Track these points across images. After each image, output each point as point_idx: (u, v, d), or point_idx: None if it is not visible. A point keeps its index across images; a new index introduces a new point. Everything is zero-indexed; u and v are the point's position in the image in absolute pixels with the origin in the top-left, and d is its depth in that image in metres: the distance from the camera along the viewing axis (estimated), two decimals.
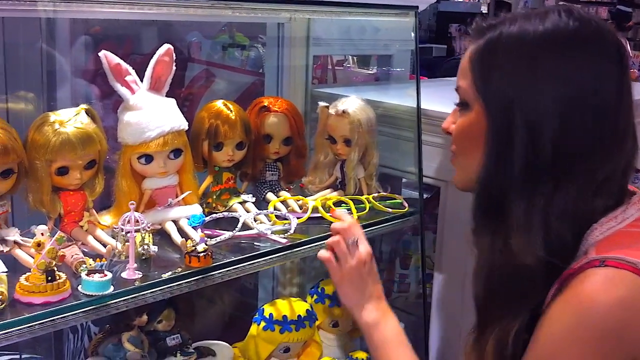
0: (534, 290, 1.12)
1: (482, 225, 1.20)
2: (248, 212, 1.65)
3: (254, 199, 1.70)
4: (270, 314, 1.67)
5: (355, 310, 1.44)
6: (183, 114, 1.53)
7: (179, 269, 1.38)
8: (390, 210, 1.83)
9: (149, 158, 1.48)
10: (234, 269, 1.45)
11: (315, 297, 1.85)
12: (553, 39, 1.10)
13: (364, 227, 1.56)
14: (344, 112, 1.78)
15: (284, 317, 1.67)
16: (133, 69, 1.48)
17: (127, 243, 1.34)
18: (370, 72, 3.14)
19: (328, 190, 1.86)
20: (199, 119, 1.65)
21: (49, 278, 1.20)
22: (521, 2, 9.07)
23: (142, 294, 1.30)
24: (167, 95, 1.52)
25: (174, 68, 1.51)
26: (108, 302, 1.25)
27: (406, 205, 1.88)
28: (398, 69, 2.74)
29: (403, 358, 1.38)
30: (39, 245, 1.22)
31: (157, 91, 1.50)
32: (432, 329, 1.98)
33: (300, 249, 1.60)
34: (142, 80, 1.48)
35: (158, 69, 1.48)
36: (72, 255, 1.32)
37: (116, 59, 1.44)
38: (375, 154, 1.86)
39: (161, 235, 1.50)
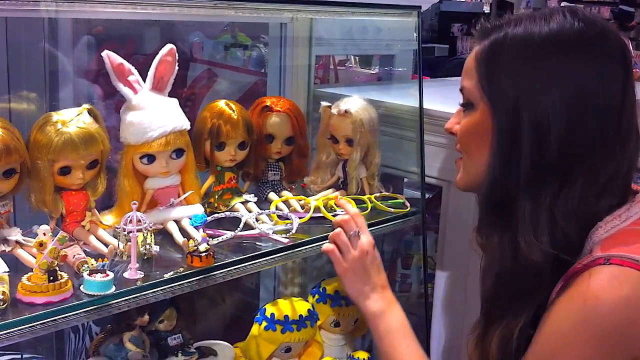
0: (540, 287, 1.13)
1: (488, 224, 1.21)
2: (250, 212, 1.65)
3: (255, 199, 1.70)
4: (272, 314, 1.67)
5: (360, 300, 1.46)
6: (185, 113, 1.53)
7: (181, 269, 1.38)
8: (392, 210, 1.83)
9: (151, 158, 1.48)
10: (235, 268, 1.45)
11: (316, 296, 1.84)
12: (558, 39, 1.11)
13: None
14: (346, 112, 1.78)
15: (286, 317, 1.67)
16: (135, 69, 1.48)
17: (129, 243, 1.33)
18: (372, 72, 3.14)
19: (330, 190, 1.86)
20: (201, 119, 1.65)
21: (51, 278, 1.20)
22: (523, 1, 9.06)
23: (144, 294, 1.31)
24: (170, 95, 1.52)
25: (177, 68, 1.51)
26: (110, 302, 1.25)
27: (408, 205, 1.88)
28: (400, 69, 2.73)
29: (408, 348, 1.40)
30: (41, 245, 1.22)
31: (160, 91, 1.50)
32: (434, 328, 1.98)
33: (302, 248, 1.60)
34: (144, 80, 1.48)
35: (161, 69, 1.49)
36: (74, 255, 1.32)
37: (119, 59, 1.44)
38: (378, 153, 1.86)
39: (163, 235, 1.50)
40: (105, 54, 1.43)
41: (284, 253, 1.56)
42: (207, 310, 2.14)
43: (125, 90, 1.46)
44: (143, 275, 1.33)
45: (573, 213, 1.11)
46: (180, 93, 2.32)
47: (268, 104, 1.78)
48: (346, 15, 2.06)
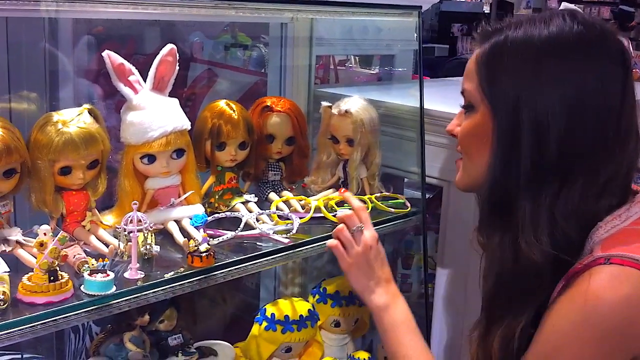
0: (541, 287, 1.14)
1: (489, 225, 1.23)
2: (250, 212, 1.65)
3: (256, 199, 1.70)
4: (272, 314, 1.67)
5: (365, 295, 1.48)
6: (185, 113, 1.53)
7: (181, 269, 1.38)
8: (392, 210, 1.84)
9: (151, 158, 1.48)
10: (236, 269, 1.45)
11: (317, 297, 1.84)
12: (558, 42, 1.13)
13: None
14: (346, 112, 1.78)
15: (286, 317, 1.67)
16: (136, 69, 1.47)
17: (129, 243, 1.33)
18: (372, 72, 3.14)
19: (330, 190, 1.86)
20: (202, 119, 1.65)
21: (52, 278, 1.20)
22: (523, 1, 9.06)
23: (145, 294, 1.31)
24: (170, 95, 1.52)
25: (177, 68, 1.51)
26: (110, 302, 1.25)
27: (408, 205, 1.88)
28: (400, 69, 2.73)
29: (412, 342, 1.41)
30: (41, 245, 1.22)
31: (160, 91, 1.50)
32: (434, 328, 1.98)
33: (302, 249, 1.60)
34: (145, 80, 1.48)
35: (161, 69, 1.49)
36: (75, 255, 1.32)
37: (119, 59, 1.44)
38: (378, 153, 1.86)
39: (163, 235, 1.50)
40: (106, 54, 1.43)
41: (284, 253, 1.56)
42: (207, 310, 2.14)
43: (125, 90, 1.46)
44: (143, 275, 1.33)
45: (573, 213, 1.11)
46: (181, 93, 2.33)
47: (268, 104, 1.78)
48: (346, 15, 2.06)
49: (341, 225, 1.50)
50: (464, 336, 1.56)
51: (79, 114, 1.36)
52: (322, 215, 1.71)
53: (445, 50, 7.79)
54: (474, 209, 1.28)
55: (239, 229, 1.54)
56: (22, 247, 1.32)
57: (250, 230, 1.58)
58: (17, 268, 1.28)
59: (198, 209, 1.55)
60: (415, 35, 1.94)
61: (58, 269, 1.22)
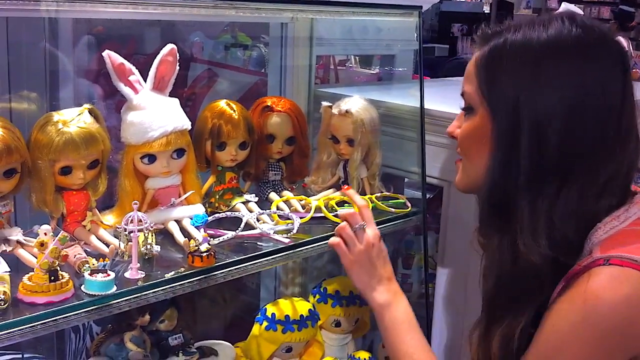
0: (541, 288, 1.15)
1: (488, 226, 1.23)
2: (251, 211, 1.65)
3: (256, 199, 1.70)
4: (273, 314, 1.67)
5: (366, 293, 1.48)
6: (186, 113, 1.53)
7: (182, 269, 1.38)
8: (393, 210, 1.84)
9: (152, 158, 1.48)
10: (236, 268, 1.45)
11: (317, 296, 1.85)
12: (556, 45, 1.13)
13: None
14: (347, 111, 1.78)
15: (287, 316, 1.67)
16: (136, 68, 1.47)
17: (130, 243, 1.34)
18: (372, 72, 3.14)
19: (331, 190, 1.86)
20: (202, 119, 1.65)
21: (52, 278, 1.20)
22: (524, 1, 9.07)
23: (145, 294, 1.31)
24: (170, 95, 1.52)
25: (178, 68, 1.51)
26: (111, 302, 1.25)
27: (409, 205, 1.88)
28: (401, 69, 2.73)
29: (413, 340, 1.41)
30: (42, 244, 1.22)
31: (161, 91, 1.50)
32: (435, 328, 1.98)
33: (302, 248, 1.60)
34: (145, 80, 1.48)
35: (162, 69, 1.49)
36: (75, 255, 1.32)
37: (120, 59, 1.44)
38: (378, 153, 1.86)
39: (164, 235, 1.50)
40: (106, 53, 1.43)
41: (284, 253, 1.56)
42: (208, 310, 2.14)
43: (126, 90, 1.46)
44: (144, 275, 1.33)
45: (572, 215, 1.12)
46: (181, 93, 2.32)
47: (269, 104, 1.78)
48: (347, 15, 2.06)
49: (344, 223, 1.50)
50: (464, 336, 1.55)
51: (79, 114, 1.36)
52: (322, 215, 1.71)
53: (445, 50, 7.80)
54: (474, 209, 1.28)
55: (239, 228, 1.54)
56: (23, 247, 1.32)
57: (250, 230, 1.58)
58: (18, 268, 1.29)
59: (198, 209, 1.55)
60: (416, 35, 1.94)
61: (58, 268, 1.22)
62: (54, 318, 1.19)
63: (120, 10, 1.55)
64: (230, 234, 1.53)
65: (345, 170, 1.85)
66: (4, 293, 1.17)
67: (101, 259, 1.29)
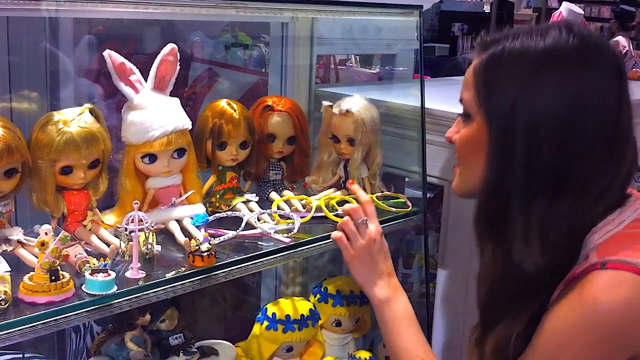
0: (535, 295, 1.16)
1: (483, 234, 1.25)
2: (251, 211, 1.65)
3: (257, 199, 1.70)
4: (273, 314, 1.67)
5: (366, 288, 1.49)
6: (186, 113, 1.53)
7: (183, 269, 1.38)
8: (393, 209, 1.83)
9: (152, 157, 1.48)
10: (237, 268, 1.45)
11: (318, 296, 1.84)
12: (554, 54, 1.14)
13: None
14: (347, 111, 1.78)
15: (287, 316, 1.67)
16: (137, 68, 1.47)
17: (130, 242, 1.33)
18: (373, 71, 3.15)
19: (331, 190, 1.86)
20: (203, 118, 1.65)
21: (53, 277, 1.20)
22: (524, 1, 9.07)
23: (146, 294, 1.30)
24: (171, 95, 1.52)
25: (178, 67, 1.51)
26: (111, 302, 1.25)
27: (409, 204, 1.88)
28: (401, 69, 2.73)
29: (412, 337, 1.42)
30: (42, 244, 1.22)
31: (161, 91, 1.50)
32: (435, 328, 1.98)
33: (303, 248, 1.60)
34: (146, 80, 1.48)
35: (162, 69, 1.49)
36: (76, 255, 1.32)
37: (120, 59, 1.44)
38: (379, 153, 1.86)
39: (165, 234, 1.50)
40: (107, 53, 1.43)
41: (285, 252, 1.56)
42: (208, 310, 2.14)
43: (126, 89, 1.46)
44: (145, 274, 1.33)
45: (566, 224, 1.12)
46: (182, 92, 2.33)
47: (269, 103, 1.78)
48: (347, 14, 2.06)
49: (346, 218, 1.51)
50: (464, 336, 1.56)
51: (80, 114, 1.36)
52: (323, 214, 1.71)
53: (445, 49, 7.79)
54: (474, 209, 1.28)
55: (240, 228, 1.54)
56: (24, 246, 1.32)
57: (251, 229, 1.58)
58: (19, 268, 1.29)
59: (199, 209, 1.55)
60: (416, 34, 1.94)
61: (59, 268, 1.22)
62: (55, 318, 1.19)
63: (121, 10, 1.55)
64: (231, 233, 1.53)
65: (346, 169, 1.85)
66: (5, 293, 1.17)
67: (102, 258, 1.29)
